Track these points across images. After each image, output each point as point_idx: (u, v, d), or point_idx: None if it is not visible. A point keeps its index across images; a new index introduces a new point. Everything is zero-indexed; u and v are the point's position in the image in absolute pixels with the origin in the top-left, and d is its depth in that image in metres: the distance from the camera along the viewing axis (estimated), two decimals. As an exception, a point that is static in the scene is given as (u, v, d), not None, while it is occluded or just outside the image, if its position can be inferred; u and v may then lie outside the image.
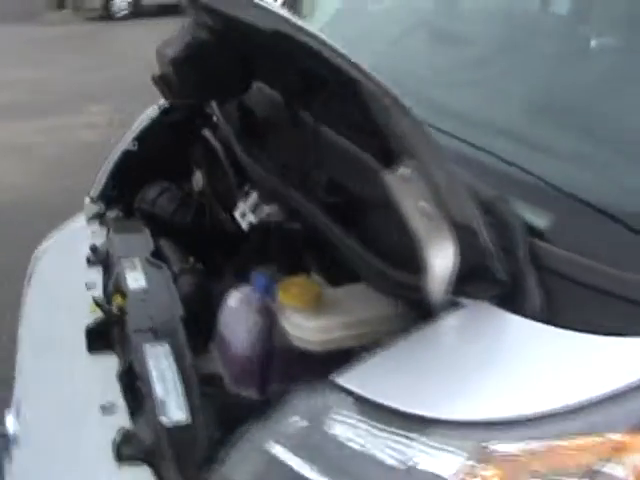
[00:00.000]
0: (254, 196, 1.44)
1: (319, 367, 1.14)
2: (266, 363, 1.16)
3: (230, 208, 1.66)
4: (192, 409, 1.11)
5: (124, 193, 1.94)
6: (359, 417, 0.78)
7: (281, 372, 1.17)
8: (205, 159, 1.84)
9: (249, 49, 1.34)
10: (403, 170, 0.81)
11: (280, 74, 1.23)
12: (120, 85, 6.96)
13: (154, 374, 1.17)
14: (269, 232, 1.39)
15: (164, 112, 1.93)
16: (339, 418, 0.79)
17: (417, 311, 0.98)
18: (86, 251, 1.78)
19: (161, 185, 1.90)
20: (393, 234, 0.94)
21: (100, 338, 1.41)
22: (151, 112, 1.96)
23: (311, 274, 1.26)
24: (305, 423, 0.80)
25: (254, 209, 1.39)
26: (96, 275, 1.66)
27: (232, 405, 1.17)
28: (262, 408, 1.17)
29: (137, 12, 12.25)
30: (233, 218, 1.62)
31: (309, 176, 1.28)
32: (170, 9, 12.00)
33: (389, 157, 0.91)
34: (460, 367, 0.80)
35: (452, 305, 0.86)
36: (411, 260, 0.88)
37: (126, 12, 12.31)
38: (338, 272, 1.23)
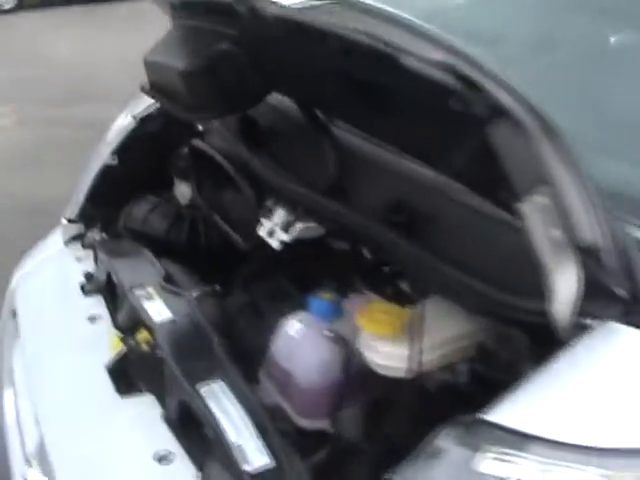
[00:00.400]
0: (281, 213, 1.36)
1: (392, 390, 1.10)
2: (341, 393, 1.11)
3: (238, 224, 1.58)
4: (272, 449, 1.04)
5: (106, 211, 1.81)
6: (519, 453, 0.74)
7: (353, 399, 1.12)
8: (197, 170, 1.74)
9: (271, 58, 1.26)
10: (538, 198, 0.78)
11: (328, 88, 1.16)
12: (22, 84, 6.55)
13: (220, 416, 1.09)
14: (309, 250, 1.33)
15: (142, 121, 1.81)
16: (496, 456, 0.75)
17: (525, 332, 0.96)
18: (76, 278, 1.65)
19: (148, 200, 1.79)
20: (504, 257, 0.91)
21: (125, 378, 1.31)
22: (126, 122, 1.83)
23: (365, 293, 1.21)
24: (459, 465, 0.76)
25: (286, 226, 1.32)
26: (97, 306, 1.54)
27: (307, 439, 1.11)
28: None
29: (22, 4, 11.55)
30: (245, 235, 1.54)
31: (354, 192, 1.23)
32: (55, 1, 11.40)
33: (489, 182, 0.88)
34: (611, 392, 0.78)
35: (579, 328, 0.84)
36: (530, 284, 0.85)
37: (11, 4, 11.57)
38: (397, 291, 1.19)
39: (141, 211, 1.76)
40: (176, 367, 1.19)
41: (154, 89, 1.51)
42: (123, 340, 1.34)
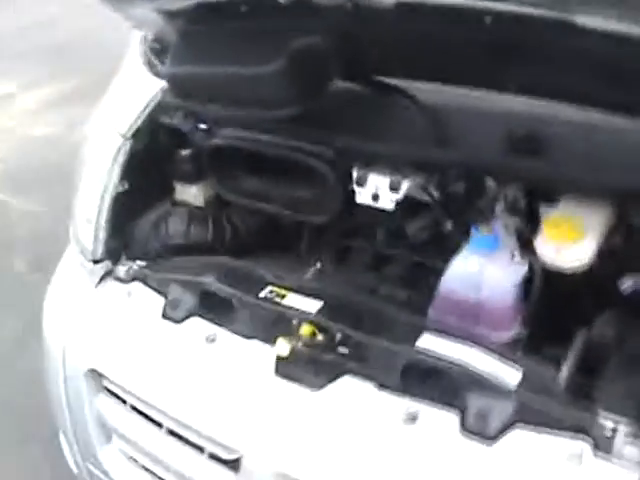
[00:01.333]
0: (377, 178, 1.46)
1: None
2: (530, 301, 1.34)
3: (298, 204, 1.62)
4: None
5: (127, 240, 1.75)
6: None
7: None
8: (217, 168, 1.72)
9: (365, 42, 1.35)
10: None
11: None
12: None
13: (461, 358, 1.24)
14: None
15: (135, 138, 1.73)
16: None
17: None
18: (145, 313, 1.59)
19: (179, 213, 1.76)
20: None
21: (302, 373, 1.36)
22: (117, 143, 1.73)
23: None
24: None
25: (395, 186, 1.44)
26: (201, 329, 1.51)
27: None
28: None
29: None
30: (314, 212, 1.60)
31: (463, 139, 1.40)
32: None
33: None
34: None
35: None
36: None
37: None
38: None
39: (178, 225, 1.73)
40: (380, 340, 1.30)
41: (199, 99, 1.49)
42: (290, 340, 1.36)
